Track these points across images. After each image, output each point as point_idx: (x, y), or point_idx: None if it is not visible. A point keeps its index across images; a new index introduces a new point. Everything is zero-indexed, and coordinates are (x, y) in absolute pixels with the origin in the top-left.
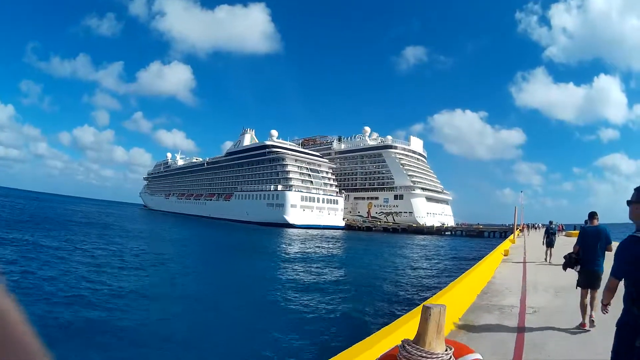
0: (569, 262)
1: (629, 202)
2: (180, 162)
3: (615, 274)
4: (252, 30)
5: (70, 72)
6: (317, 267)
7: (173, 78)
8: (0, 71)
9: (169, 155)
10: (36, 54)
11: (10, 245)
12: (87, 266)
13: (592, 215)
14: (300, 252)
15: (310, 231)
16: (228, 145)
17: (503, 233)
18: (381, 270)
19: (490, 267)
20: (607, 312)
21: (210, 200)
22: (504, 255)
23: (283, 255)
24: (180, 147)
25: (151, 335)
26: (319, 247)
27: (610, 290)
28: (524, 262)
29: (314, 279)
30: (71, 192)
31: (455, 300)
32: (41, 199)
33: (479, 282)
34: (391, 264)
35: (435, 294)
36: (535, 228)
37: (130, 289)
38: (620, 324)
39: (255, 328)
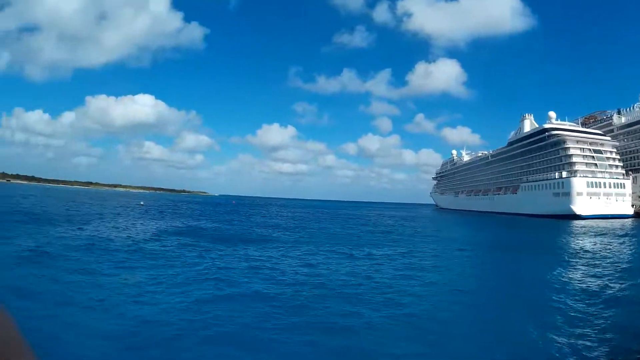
0: None
1: None
2: (466, 158)
3: None
4: (500, 10)
5: (339, 87)
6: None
7: (442, 75)
8: (276, 97)
9: (454, 152)
10: (300, 77)
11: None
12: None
13: None
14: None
15: (599, 222)
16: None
17: None
18: None
19: None
20: None
21: (498, 194)
22: None
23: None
24: (466, 142)
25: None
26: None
27: None
28: None
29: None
30: (364, 198)
31: None
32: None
33: None
34: None
35: None
36: None
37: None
38: None
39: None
